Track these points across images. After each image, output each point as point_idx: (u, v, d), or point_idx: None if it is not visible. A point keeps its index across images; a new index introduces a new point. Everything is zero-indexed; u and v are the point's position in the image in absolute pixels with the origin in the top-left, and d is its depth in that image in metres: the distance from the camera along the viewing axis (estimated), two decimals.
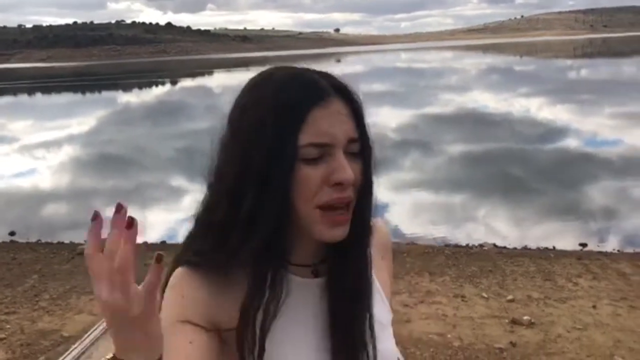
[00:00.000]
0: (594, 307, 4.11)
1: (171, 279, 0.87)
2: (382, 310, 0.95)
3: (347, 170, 0.80)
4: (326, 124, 0.81)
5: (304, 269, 0.90)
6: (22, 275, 5.41)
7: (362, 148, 0.84)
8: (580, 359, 3.31)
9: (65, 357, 1.80)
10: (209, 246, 0.86)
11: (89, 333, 2.00)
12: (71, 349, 1.85)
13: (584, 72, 39.61)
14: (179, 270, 0.87)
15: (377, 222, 0.99)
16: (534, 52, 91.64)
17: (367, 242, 0.90)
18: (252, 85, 0.88)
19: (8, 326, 4.05)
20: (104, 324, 3.63)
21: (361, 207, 0.86)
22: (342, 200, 0.82)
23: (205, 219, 0.91)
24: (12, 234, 7.47)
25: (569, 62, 56.38)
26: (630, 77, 32.35)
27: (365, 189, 0.85)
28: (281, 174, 0.80)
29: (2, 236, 7.39)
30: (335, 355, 0.88)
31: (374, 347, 0.90)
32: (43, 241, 7.12)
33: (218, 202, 0.87)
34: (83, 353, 1.85)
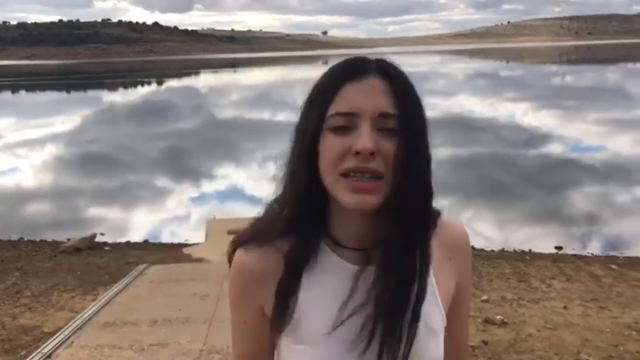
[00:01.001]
0: (565, 307, 4.22)
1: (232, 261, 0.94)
2: (433, 313, 0.90)
3: (366, 140, 0.81)
4: (354, 96, 0.85)
5: (352, 252, 0.89)
6: (4, 273, 5.43)
7: (400, 125, 0.84)
8: (548, 357, 3.41)
9: (47, 345, 1.86)
10: (264, 222, 0.93)
11: (70, 324, 2.06)
12: (53, 338, 1.91)
13: (569, 79, 40.05)
14: (236, 253, 0.93)
15: (452, 222, 0.97)
16: (520, 57, 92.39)
17: (415, 229, 0.86)
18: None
19: None
20: (85, 316, 3.69)
21: (404, 187, 0.83)
22: (363, 169, 0.82)
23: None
24: None
25: (554, 68, 56.95)
26: (613, 84, 32.75)
27: (405, 167, 0.83)
28: (309, 140, 0.85)
29: None
30: (361, 347, 0.86)
31: (409, 347, 0.86)
32: (25, 239, 7.13)
33: (281, 179, 0.92)
34: (64, 341, 1.91)
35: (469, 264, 1.00)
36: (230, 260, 0.94)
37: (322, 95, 0.87)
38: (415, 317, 0.86)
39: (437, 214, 0.94)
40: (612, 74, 42.33)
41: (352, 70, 0.87)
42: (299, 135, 0.89)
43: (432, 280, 0.91)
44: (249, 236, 0.93)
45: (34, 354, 2.88)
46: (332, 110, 0.85)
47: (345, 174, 0.83)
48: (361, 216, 0.85)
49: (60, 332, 2.42)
